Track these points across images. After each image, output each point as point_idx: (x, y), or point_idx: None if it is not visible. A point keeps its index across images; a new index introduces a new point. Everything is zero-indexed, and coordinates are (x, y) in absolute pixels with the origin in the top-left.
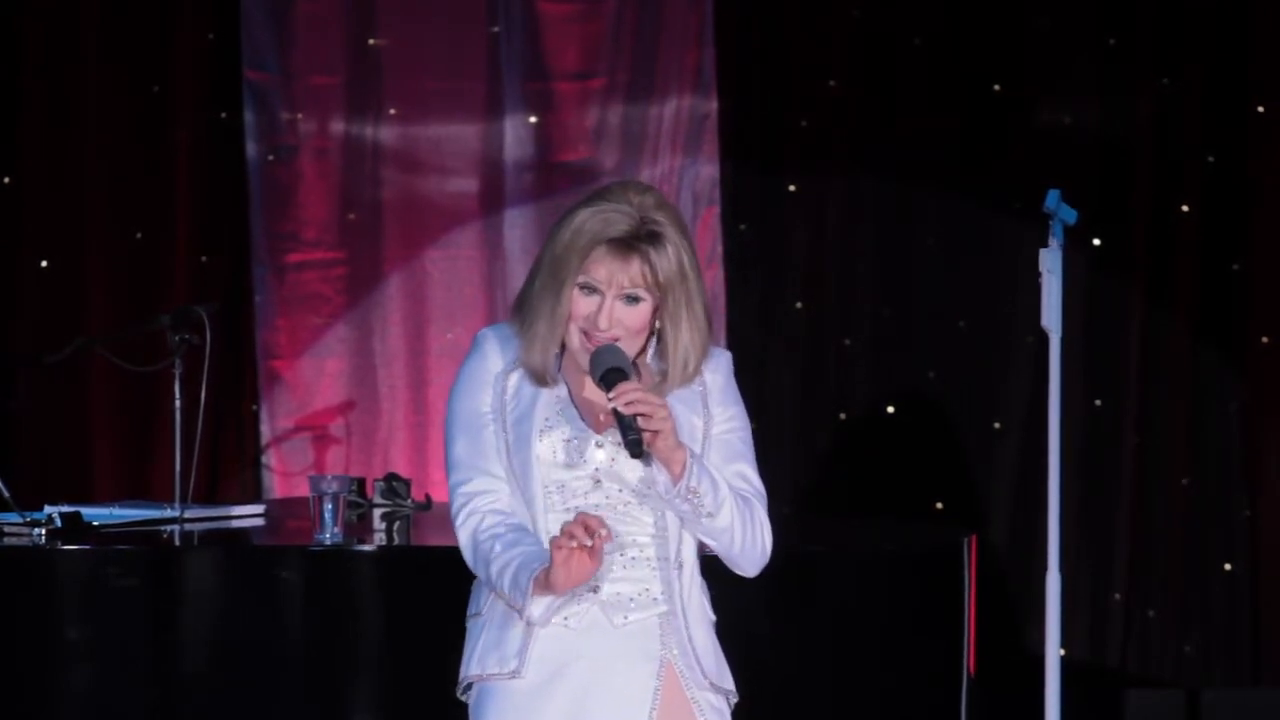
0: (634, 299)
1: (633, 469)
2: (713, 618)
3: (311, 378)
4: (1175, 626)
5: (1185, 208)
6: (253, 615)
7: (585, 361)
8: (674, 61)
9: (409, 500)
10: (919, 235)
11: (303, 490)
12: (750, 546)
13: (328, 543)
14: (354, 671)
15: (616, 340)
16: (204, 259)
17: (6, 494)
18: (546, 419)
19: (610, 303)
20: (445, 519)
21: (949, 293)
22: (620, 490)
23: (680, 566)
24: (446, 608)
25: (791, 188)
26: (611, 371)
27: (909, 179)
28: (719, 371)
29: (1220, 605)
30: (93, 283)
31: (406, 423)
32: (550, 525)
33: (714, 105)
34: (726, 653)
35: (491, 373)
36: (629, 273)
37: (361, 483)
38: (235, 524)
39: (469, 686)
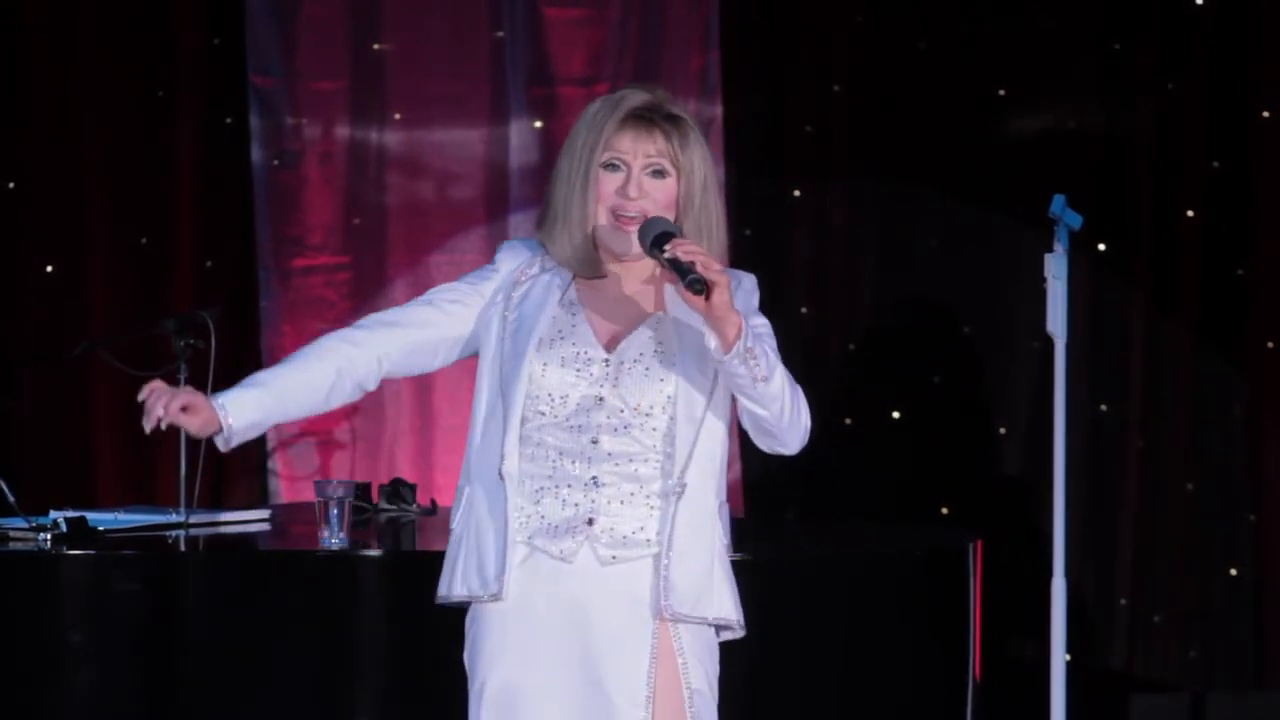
0: (660, 172)
1: (639, 391)
2: (720, 545)
3: None
4: (1180, 630)
5: (1190, 213)
6: (257, 620)
7: (616, 243)
8: (678, 66)
9: (414, 505)
10: (923, 239)
11: (308, 495)
12: (796, 418)
13: (333, 548)
14: (358, 676)
15: (647, 215)
16: (208, 263)
17: (11, 498)
18: (559, 330)
19: (638, 174)
20: None
21: (953, 297)
22: (623, 411)
23: (681, 492)
24: (451, 613)
25: (796, 192)
26: (663, 235)
27: (913, 183)
28: (741, 287)
29: (1225, 609)
30: (97, 287)
31: (411, 427)
32: (536, 441)
33: (718, 110)
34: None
35: (501, 273)
36: (654, 143)
37: (367, 488)
38: (240, 529)
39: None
